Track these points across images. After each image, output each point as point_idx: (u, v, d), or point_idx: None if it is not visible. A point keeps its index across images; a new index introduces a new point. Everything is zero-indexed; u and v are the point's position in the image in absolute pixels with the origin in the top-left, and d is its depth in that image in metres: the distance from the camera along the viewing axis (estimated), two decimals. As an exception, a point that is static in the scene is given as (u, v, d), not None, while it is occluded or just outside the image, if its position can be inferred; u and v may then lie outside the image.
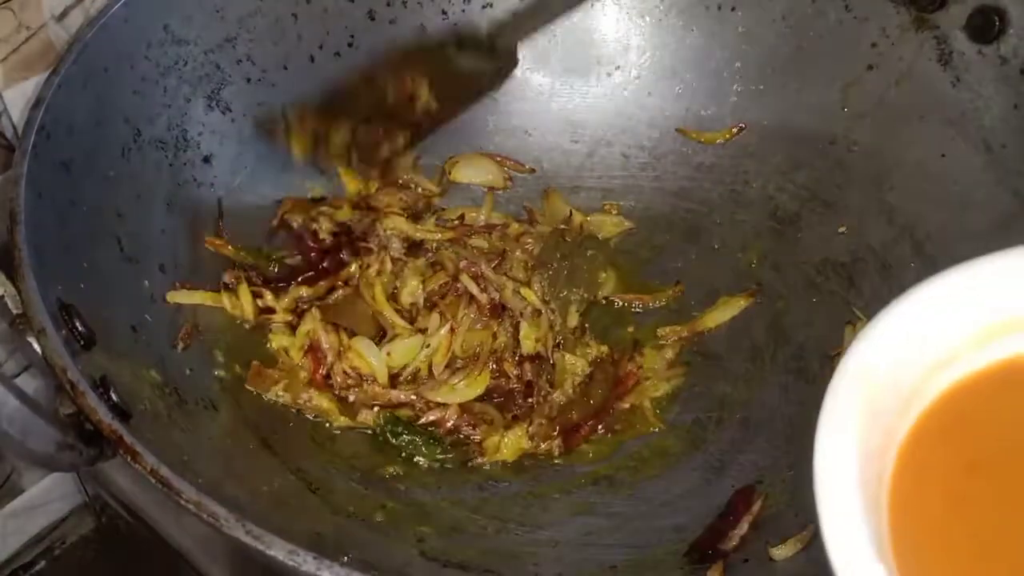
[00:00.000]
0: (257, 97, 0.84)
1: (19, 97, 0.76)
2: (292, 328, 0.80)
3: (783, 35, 0.89)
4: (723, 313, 0.85)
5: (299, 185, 0.88)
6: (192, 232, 0.80)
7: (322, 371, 0.78)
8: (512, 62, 0.78)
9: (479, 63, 0.80)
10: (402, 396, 0.79)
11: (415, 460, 0.77)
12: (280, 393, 0.77)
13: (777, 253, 0.88)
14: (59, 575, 0.97)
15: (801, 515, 0.70)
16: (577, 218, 0.91)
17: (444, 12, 0.92)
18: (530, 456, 0.78)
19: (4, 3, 0.71)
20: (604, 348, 0.83)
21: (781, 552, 0.67)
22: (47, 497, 0.96)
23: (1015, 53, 0.77)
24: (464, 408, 0.79)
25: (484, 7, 0.93)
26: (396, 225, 0.85)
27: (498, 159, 0.95)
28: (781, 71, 0.90)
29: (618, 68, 0.96)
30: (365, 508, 0.72)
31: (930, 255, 0.80)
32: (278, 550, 0.50)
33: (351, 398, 0.78)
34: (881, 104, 0.85)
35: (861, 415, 0.35)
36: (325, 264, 0.83)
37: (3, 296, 0.58)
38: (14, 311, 0.58)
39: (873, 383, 0.36)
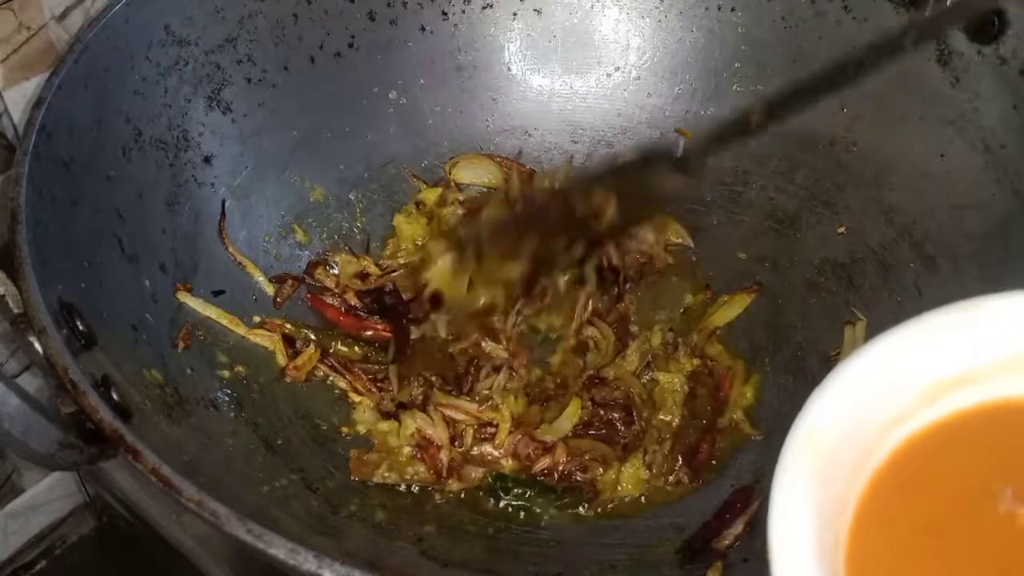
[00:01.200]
0: (258, 97, 0.85)
1: (20, 97, 0.76)
2: (378, 410, 0.80)
3: (783, 35, 0.89)
4: (729, 311, 0.85)
5: (299, 186, 0.88)
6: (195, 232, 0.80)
7: (442, 463, 0.76)
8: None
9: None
10: (515, 443, 0.77)
11: (525, 514, 0.75)
12: (386, 474, 0.75)
13: (777, 253, 0.88)
14: (59, 575, 0.97)
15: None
16: None
17: (444, 13, 0.92)
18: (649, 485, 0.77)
19: (5, 3, 0.71)
20: (696, 361, 0.82)
21: (781, 551, 0.67)
22: (48, 497, 0.96)
23: (1014, 53, 0.77)
24: (571, 450, 0.77)
25: (484, 8, 0.93)
26: None
27: (497, 159, 0.95)
28: (781, 71, 0.90)
29: (618, 69, 0.96)
30: (365, 508, 0.72)
31: (930, 255, 0.80)
32: (279, 549, 0.50)
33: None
34: (881, 104, 0.85)
35: (814, 483, 0.35)
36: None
37: (4, 296, 0.58)
38: (15, 311, 0.58)
39: (823, 450, 0.36)
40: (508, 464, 0.77)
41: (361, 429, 0.79)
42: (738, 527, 0.71)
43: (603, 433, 0.78)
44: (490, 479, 0.76)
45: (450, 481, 0.76)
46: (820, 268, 0.84)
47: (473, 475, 0.76)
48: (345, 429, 0.78)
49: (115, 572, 0.99)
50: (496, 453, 0.77)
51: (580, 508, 0.75)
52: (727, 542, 0.70)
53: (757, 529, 0.71)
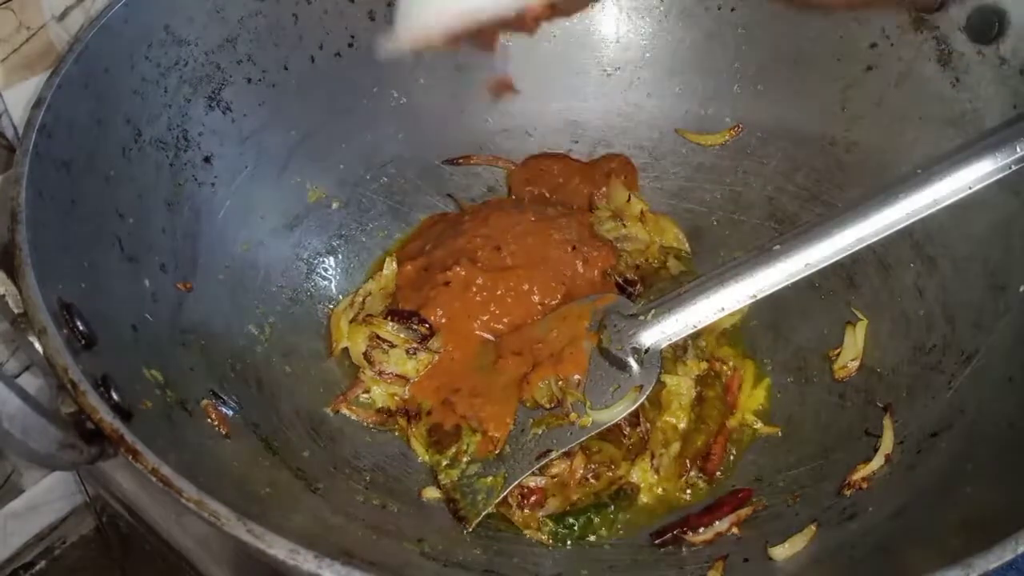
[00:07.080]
0: (258, 97, 0.85)
1: (20, 97, 0.76)
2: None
3: (783, 35, 0.89)
4: (735, 313, 0.85)
5: (298, 185, 0.88)
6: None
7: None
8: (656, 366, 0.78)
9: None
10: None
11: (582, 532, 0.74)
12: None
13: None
14: (59, 575, 0.97)
15: (801, 515, 0.71)
16: (636, 205, 0.91)
17: (444, 13, 0.92)
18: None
19: (5, 3, 0.71)
20: (704, 365, 0.81)
21: (781, 552, 0.67)
22: (47, 497, 0.96)
23: (1014, 54, 0.77)
24: (587, 455, 0.76)
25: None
26: None
27: (490, 158, 0.95)
28: (781, 71, 0.90)
29: (618, 69, 0.96)
30: (366, 507, 0.72)
31: (930, 255, 0.80)
32: (279, 549, 0.50)
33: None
34: (881, 104, 0.85)
35: None
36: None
37: (4, 295, 0.58)
38: (15, 310, 0.58)
39: None
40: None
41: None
42: (723, 524, 0.71)
43: (604, 431, 0.78)
44: (550, 523, 0.74)
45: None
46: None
47: (541, 526, 0.75)
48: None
49: (115, 572, 0.99)
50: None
51: (629, 513, 0.75)
52: (703, 537, 0.70)
53: (757, 530, 0.71)
